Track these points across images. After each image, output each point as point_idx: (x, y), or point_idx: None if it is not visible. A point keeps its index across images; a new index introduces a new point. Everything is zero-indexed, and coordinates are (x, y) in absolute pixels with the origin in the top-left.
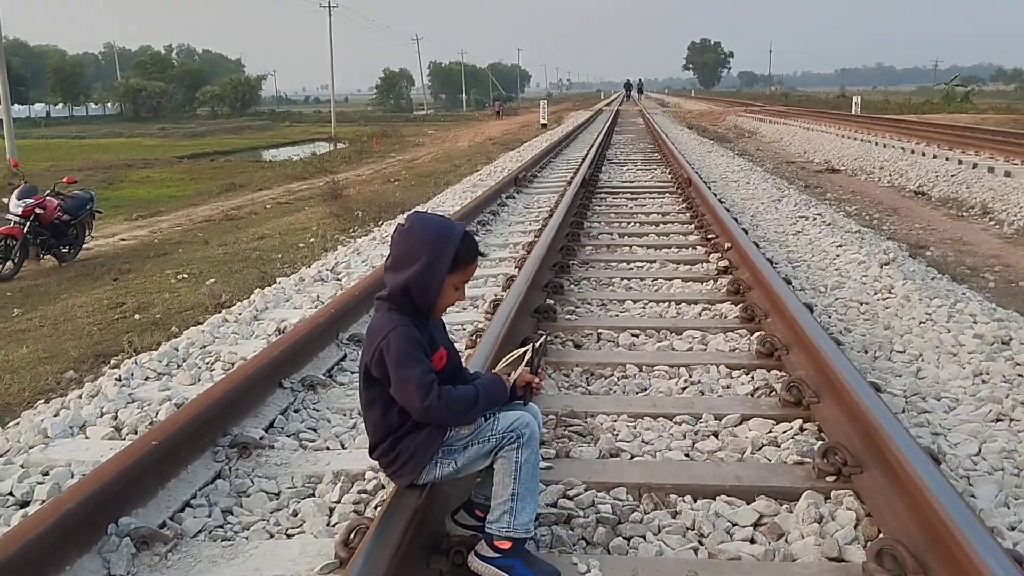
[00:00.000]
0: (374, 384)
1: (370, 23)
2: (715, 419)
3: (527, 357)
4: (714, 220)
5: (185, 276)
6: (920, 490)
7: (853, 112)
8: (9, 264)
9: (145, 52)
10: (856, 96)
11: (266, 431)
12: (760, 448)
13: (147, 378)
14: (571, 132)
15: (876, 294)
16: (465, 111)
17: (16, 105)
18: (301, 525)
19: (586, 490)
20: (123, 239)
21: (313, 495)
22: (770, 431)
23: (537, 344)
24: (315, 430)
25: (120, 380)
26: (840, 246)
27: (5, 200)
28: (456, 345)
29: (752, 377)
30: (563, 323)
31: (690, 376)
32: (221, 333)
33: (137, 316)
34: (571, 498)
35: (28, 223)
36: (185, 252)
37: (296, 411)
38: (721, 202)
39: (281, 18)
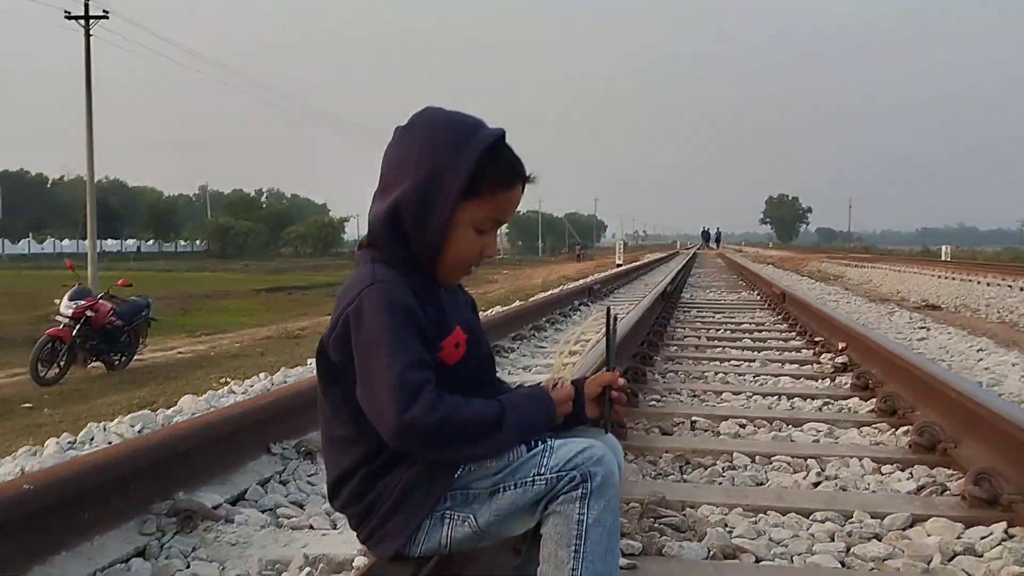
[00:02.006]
0: (336, 377)
1: None
2: (872, 518)
3: (599, 337)
4: (820, 326)
5: (227, 380)
6: None
7: (943, 259)
8: (55, 368)
9: (237, 195)
10: (945, 246)
11: (233, 504)
12: (952, 558)
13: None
14: (648, 263)
15: None
16: (541, 257)
17: (109, 240)
18: None
19: None
20: (180, 352)
21: None
22: (959, 536)
23: (612, 322)
24: (301, 505)
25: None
26: (980, 349)
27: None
28: None
29: (911, 474)
30: (646, 409)
31: (823, 470)
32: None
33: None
34: None
35: (78, 326)
36: (238, 363)
37: (283, 483)
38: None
39: (368, 169)
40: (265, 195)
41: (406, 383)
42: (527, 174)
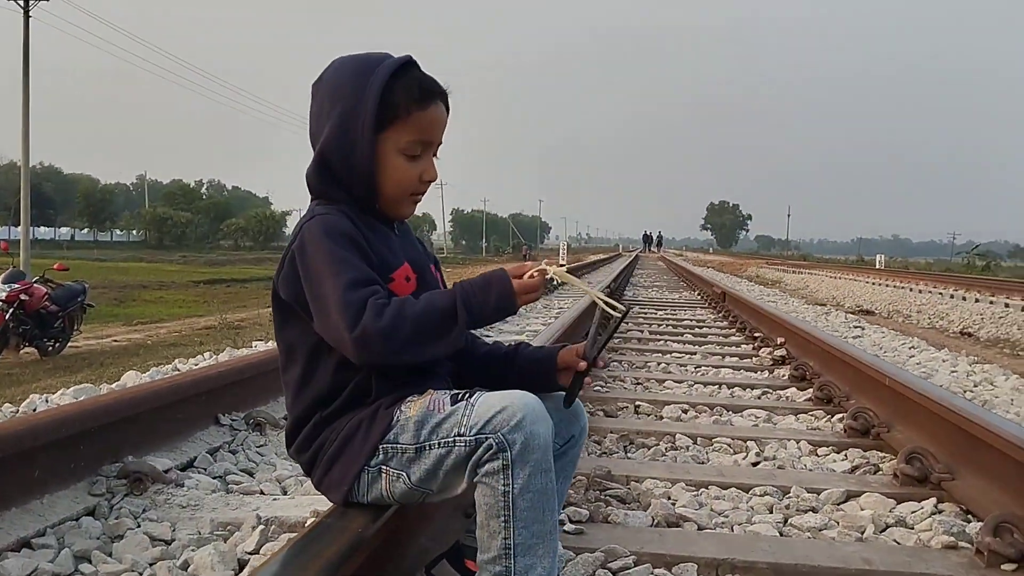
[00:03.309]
0: (288, 317)
1: None
2: (808, 492)
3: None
4: (760, 322)
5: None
6: None
7: (878, 268)
8: None
9: (176, 185)
10: (879, 255)
11: (183, 470)
12: (884, 529)
13: None
14: (592, 263)
15: (977, 386)
16: (484, 256)
17: (42, 227)
18: None
19: (637, 564)
20: (116, 340)
21: (223, 543)
22: (892, 510)
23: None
24: (251, 473)
25: None
26: (912, 347)
27: None
28: None
29: (846, 456)
30: (591, 394)
31: (761, 451)
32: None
33: None
34: (615, 573)
35: (11, 309)
36: (177, 351)
37: (232, 452)
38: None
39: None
40: (205, 186)
41: (350, 302)
42: (442, 88)
